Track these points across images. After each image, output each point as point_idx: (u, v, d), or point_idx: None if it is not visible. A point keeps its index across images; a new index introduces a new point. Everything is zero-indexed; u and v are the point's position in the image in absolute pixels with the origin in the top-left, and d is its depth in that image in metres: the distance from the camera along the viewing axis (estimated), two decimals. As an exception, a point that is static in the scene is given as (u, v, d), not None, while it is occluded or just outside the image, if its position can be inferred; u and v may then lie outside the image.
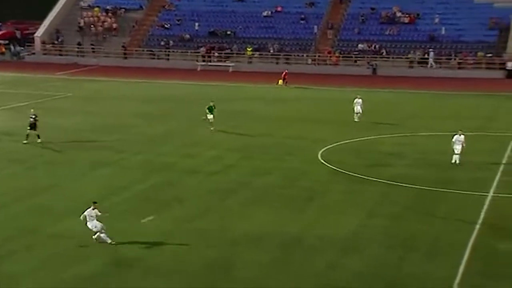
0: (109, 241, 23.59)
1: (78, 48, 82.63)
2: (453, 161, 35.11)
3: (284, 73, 65.94)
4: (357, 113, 46.38)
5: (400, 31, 77.25)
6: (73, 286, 20.90)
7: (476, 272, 21.98)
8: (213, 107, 43.52)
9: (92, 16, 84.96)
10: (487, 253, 23.66)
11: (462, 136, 35.29)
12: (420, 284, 21.11)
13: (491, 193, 30.51)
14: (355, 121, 46.02)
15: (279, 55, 77.60)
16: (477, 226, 26.09)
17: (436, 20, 76.98)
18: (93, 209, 23.79)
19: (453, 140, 35.41)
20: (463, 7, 78.08)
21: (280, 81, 65.19)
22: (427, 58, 73.35)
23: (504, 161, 36.25)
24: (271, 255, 23.28)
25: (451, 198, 30.13)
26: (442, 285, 20.92)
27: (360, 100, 46.46)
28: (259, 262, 22.66)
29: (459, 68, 72.18)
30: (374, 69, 73.92)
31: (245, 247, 23.99)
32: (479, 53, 72.47)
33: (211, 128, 42.77)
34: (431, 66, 72.85)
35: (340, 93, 59.40)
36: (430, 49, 73.50)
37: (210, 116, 43.21)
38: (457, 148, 35.12)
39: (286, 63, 76.36)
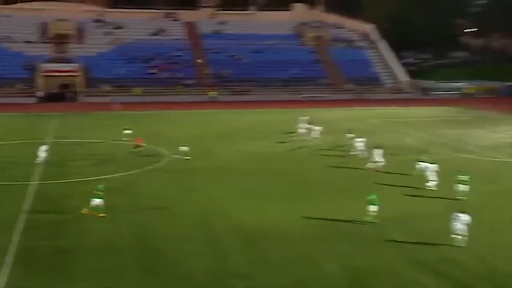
0: None
1: None
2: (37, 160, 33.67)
3: None
4: None
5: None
6: None
7: (32, 238, 21.66)
8: None
9: None
10: (35, 222, 23.36)
11: (45, 147, 34.41)
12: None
13: (37, 182, 29.97)
14: None
15: None
16: (29, 206, 25.56)
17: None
18: None
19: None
20: (4, 54, 76.54)
21: None
22: None
23: (41, 160, 34.44)
24: None
25: (12, 188, 28.76)
26: (8, 248, 20.23)
27: None
28: None
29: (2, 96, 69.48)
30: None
31: None
32: (17, 86, 71.56)
33: None
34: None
35: None
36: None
37: None
38: None
39: None
